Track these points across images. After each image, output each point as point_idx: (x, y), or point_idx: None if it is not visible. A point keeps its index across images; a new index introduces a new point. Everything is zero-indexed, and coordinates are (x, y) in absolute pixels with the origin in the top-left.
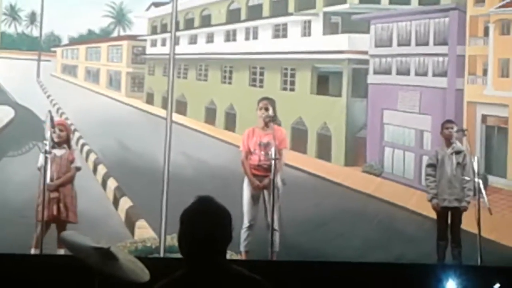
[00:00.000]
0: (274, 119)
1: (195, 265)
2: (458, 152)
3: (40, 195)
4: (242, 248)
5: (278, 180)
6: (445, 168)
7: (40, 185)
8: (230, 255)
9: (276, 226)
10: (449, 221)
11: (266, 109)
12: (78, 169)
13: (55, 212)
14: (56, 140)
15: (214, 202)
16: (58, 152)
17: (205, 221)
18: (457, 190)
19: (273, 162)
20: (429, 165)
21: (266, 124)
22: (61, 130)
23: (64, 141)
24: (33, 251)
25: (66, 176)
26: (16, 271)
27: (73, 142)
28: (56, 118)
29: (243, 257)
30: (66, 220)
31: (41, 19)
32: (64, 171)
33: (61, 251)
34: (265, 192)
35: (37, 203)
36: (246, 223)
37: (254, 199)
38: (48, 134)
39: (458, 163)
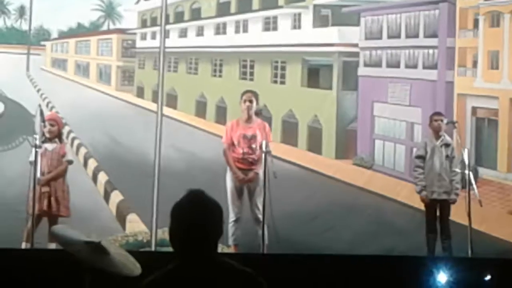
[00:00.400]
0: (260, 112)
1: (187, 259)
2: (447, 145)
3: (31, 189)
4: (231, 242)
5: (260, 172)
6: (434, 160)
7: (31, 179)
8: (221, 248)
9: (261, 218)
10: (437, 213)
11: (251, 101)
12: (70, 162)
13: (45, 207)
14: (47, 135)
15: (205, 196)
16: (49, 146)
17: (196, 215)
18: (446, 182)
19: (263, 155)
20: (418, 157)
21: (250, 117)
22: (52, 125)
23: (55, 136)
24: (23, 246)
25: (57, 169)
26: (7, 265)
27: (63, 136)
28: (47, 112)
29: (232, 250)
30: (58, 214)
31: (30, 13)
32: (55, 165)
33: (52, 245)
34: (250, 185)
35: (29, 197)
36: (232, 216)
37: (238, 192)
38: (37, 128)
39: (447, 156)
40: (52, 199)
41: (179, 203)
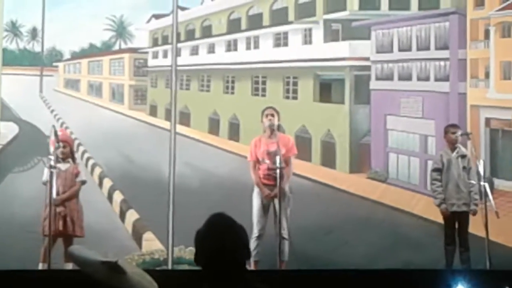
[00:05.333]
0: (279, 127)
1: (220, 282)
2: (463, 156)
3: (46, 209)
4: (251, 258)
5: (286, 188)
6: (452, 172)
7: (46, 199)
8: None
9: (285, 235)
10: (456, 226)
11: (273, 116)
12: (83, 182)
13: (61, 227)
14: (60, 156)
15: (229, 218)
16: (62, 166)
17: (223, 236)
18: (465, 194)
19: (278, 170)
20: (435, 170)
21: (272, 132)
22: (64, 147)
23: (68, 155)
24: (40, 266)
25: (71, 190)
26: (25, 287)
27: (78, 156)
28: (59, 133)
29: (252, 267)
30: (73, 235)
31: (42, 35)
32: (69, 185)
33: (69, 266)
34: (275, 201)
35: (43, 218)
36: (255, 232)
37: (265, 208)
38: (52, 149)
39: (463, 167)
40: (68, 219)
41: (203, 228)
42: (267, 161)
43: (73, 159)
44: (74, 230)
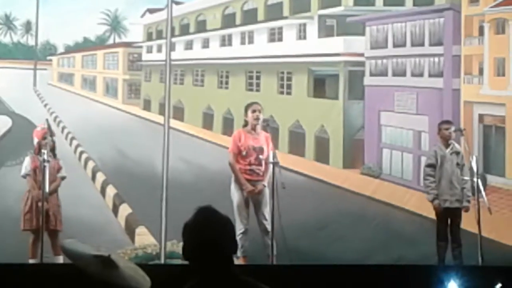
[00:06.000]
0: (267, 123)
1: (206, 276)
2: (457, 153)
3: (27, 203)
4: (239, 253)
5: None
6: (445, 168)
7: (26, 193)
8: None
9: (269, 228)
10: (448, 222)
11: (260, 112)
12: (63, 178)
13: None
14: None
15: (215, 211)
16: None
17: (209, 232)
18: (458, 190)
19: (271, 166)
20: (428, 165)
21: (254, 128)
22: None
23: (51, 148)
24: (31, 261)
25: (53, 185)
26: (18, 281)
27: (71, 150)
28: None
29: (241, 261)
30: (54, 229)
31: (36, 28)
32: (51, 180)
33: (59, 259)
34: (255, 196)
35: (24, 212)
36: (241, 228)
37: (246, 203)
38: (36, 140)
39: (457, 164)
40: (50, 213)
41: (190, 221)
42: (251, 156)
43: (54, 154)
44: (55, 225)
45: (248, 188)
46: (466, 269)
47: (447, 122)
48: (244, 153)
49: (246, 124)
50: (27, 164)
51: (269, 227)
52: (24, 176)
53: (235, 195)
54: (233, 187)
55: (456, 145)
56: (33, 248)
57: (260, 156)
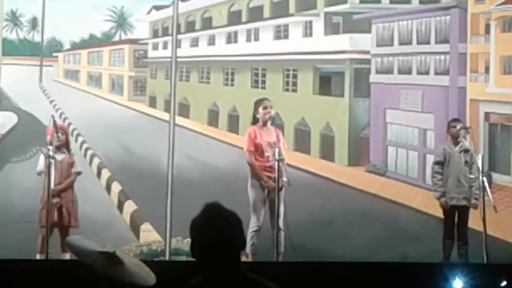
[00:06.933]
0: (273, 120)
1: (212, 273)
2: (466, 151)
3: (43, 200)
4: (248, 251)
5: (285, 179)
6: (454, 166)
7: (42, 190)
8: None
9: (282, 226)
10: (455, 220)
11: (271, 108)
12: (78, 173)
13: (56, 218)
14: (56, 143)
15: (222, 208)
16: (58, 156)
17: (216, 228)
18: (466, 188)
19: (276, 163)
20: (436, 163)
21: (265, 124)
22: (61, 134)
23: (63, 145)
24: (38, 257)
25: (67, 181)
26: (23, 277)
27: (77, 147)
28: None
29: (249, 259)
30: (68, 225)
31: (42, 25)
32: (65, 176)
33: (66, 256)
34: (271, 194)
35: (40, 208)
36: (255, 226)
37: (263, 201)
38: (48, 138)
39: (466, 162)
40: (64, 210)
41: (198, 218)
42: (268, 153)
43: (68, 149)
44: (69, 221)
45: (271, 185)
46: (471, 267)
47: (456, 120)
48: (261, 150)
49: (255, 120)
50: (41, 161)
51: (282, 225)
52: (39, 174)
53: (252, 193)
54: (250, 185)
55: (466, 143)
56: (43, 243)
57: (277, 151)
